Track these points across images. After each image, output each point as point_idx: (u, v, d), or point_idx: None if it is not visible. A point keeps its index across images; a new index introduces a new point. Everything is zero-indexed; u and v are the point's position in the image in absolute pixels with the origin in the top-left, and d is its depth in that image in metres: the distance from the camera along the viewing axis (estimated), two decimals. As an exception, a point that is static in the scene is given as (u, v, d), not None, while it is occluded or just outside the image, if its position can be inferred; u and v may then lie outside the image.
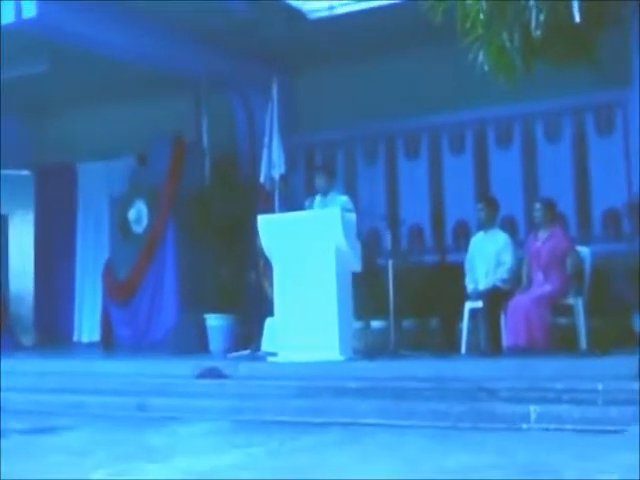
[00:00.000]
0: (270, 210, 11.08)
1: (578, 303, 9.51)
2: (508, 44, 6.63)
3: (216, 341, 11.95)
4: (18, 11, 10.26)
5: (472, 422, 7.01)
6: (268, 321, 10.42)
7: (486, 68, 6.81)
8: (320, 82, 13.16)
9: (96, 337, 14.35)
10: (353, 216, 9.91)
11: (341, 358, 9.26)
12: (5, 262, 15.63)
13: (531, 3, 6.53)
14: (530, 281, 9.83)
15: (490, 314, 9.68)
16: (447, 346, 10.38)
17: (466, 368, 8.58)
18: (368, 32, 11.66)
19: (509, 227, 11.13)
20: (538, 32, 6.34)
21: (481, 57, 6.76)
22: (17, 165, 15.30)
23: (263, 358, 10.00)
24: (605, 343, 9.01)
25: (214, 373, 9.09)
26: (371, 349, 10.04)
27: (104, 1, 10.74)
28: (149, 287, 12.90)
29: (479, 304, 9.86)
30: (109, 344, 13.35)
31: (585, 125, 11.70)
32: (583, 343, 9.35)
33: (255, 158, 12.49)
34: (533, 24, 6.33)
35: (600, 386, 7.10)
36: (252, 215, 10.57)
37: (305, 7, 11.35)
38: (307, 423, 7.41)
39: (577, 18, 6.23)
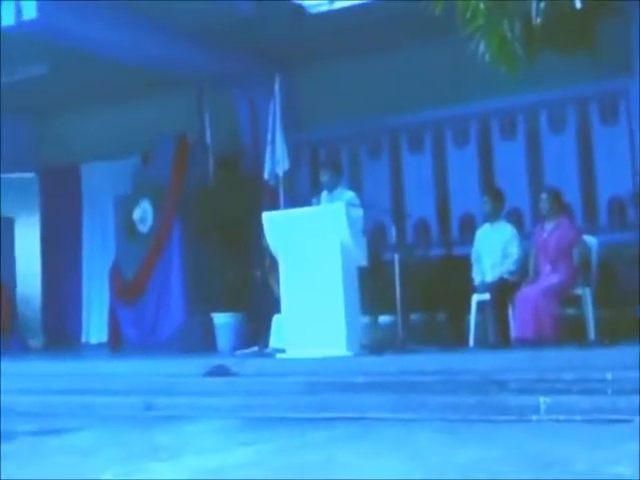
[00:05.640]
0: (275, 207, 11.02)
1: (586, 293, 9.48)
2: (509, 34, 6.62)
3: (223, 339, 11.94)
4: (18, 12, 10.26)
5: (482, 415, 6.97)
6: (275, 318, 10.40)
7: (487, 58, 6.78)
8: (322, 78, 13.13)
9: (104, 338, 14.35)
10: (360, 212, 9.86)
11: (349, 353, 9.22)
12: (12, 264, 15.64)
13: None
14: (537, 273, 9.79)
15: (498, 306, 9.66)
16: (455, 339, 10.38)
17: (475, 361, 8.54)
18: (369, 27, 11.63)
19: (515, 219, 11.10)
20: (539, 20, 6.32)
21: (482, 48, 6.74)
22: (21, 167, 15.31)
23: (271, 355, 9.98)
24: (613, 333, 8.98)
25: (222, 371, 9.05)
26: (379, 344, 10.02)
27: (105, 1, 10.73)
28: (156, 286, 12.89)
29: (486, 296, 9.84)
30: (117, 344, 13.34)
31: (589, 115, 11.68)
32: (591, 333, 9.33)
33: (259, 155, 12.48)
34: (534, 12, 6.31)
35: (609, 376, 7.07)
36: (257, 212, 10.52)
37: (306, 2, 11.34)
38: (316, 419, 7.37)
39: (578, 4, 6.20)
